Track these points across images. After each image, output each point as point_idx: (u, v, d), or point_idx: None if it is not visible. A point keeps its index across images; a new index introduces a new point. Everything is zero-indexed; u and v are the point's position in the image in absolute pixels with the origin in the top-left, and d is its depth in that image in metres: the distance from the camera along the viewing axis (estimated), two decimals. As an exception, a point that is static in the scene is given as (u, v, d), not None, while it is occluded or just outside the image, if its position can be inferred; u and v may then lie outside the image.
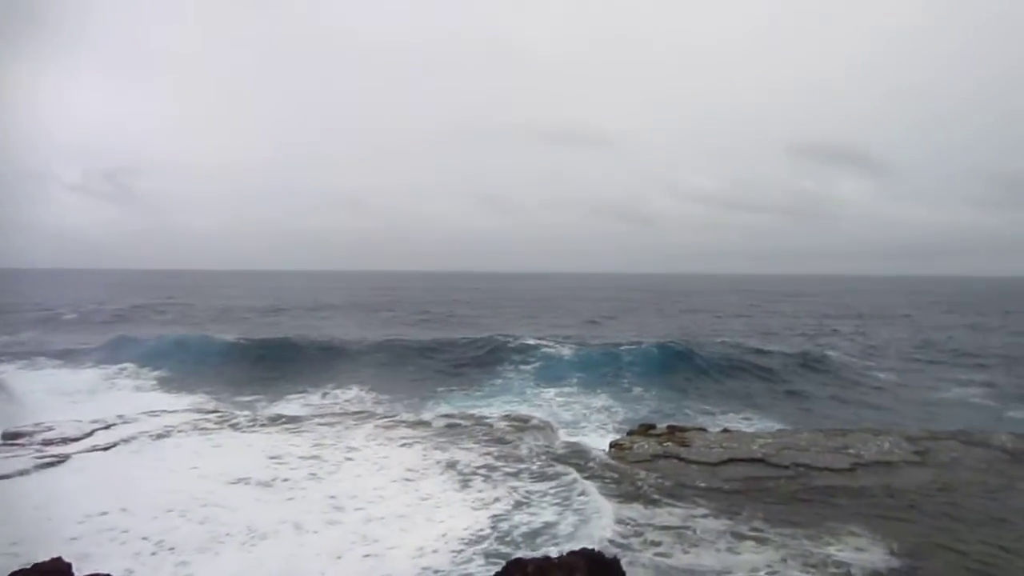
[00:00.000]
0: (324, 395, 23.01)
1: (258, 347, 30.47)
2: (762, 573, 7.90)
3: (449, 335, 36.15)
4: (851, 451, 13.19)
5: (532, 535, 9.26)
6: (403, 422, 16.45)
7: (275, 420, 16.73)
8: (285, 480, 11.63)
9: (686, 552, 8.54)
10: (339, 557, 8.55)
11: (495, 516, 9.99)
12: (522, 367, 26.36)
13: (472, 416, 17.26)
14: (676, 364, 26.48)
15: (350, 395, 23.01)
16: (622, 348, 28.48)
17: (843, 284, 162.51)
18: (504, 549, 8.66)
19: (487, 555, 8.54)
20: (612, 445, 14.33)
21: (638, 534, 9.15)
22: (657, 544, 8.78)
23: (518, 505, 10.46)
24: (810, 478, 11.66)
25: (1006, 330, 46.21)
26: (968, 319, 55.93)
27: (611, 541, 8.81)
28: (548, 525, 9.62)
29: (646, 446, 13.70)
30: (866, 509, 10.03)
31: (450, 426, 15.87)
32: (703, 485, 11.33)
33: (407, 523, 9.69)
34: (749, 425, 18.87)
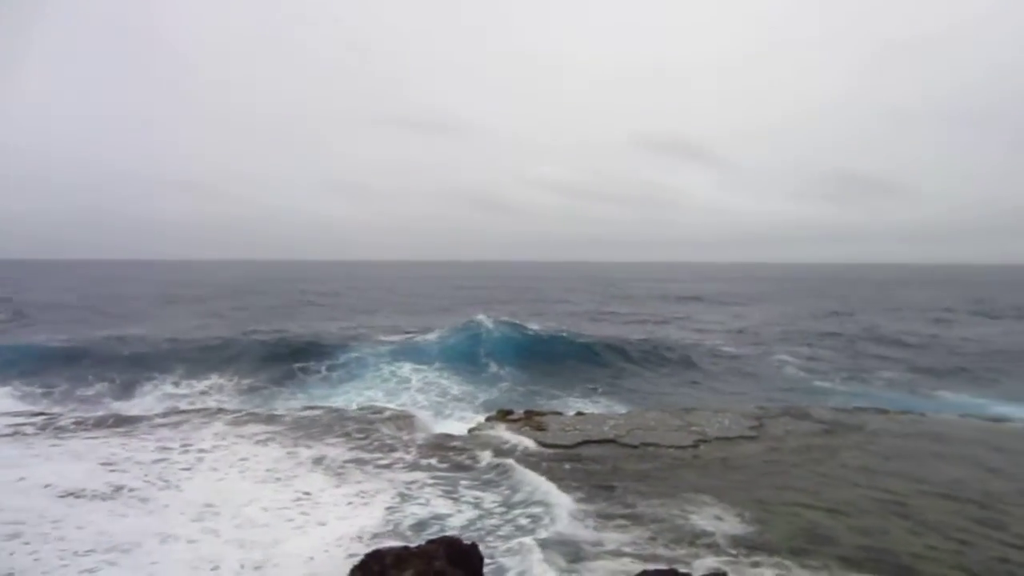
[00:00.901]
0: (162, 394, 21.19)
1: (83, 344, 27.59)
2: (631, 549, 8.12)
3: (298, 326, 34.82)
4: (695, 428, 13.99)
5: (421, 526, 8.99)
6: (254, 417, 15.56)
7: (105, 422, 15.08)
8: (133, 490, 10.35)
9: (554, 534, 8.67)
10: (216, 567, 7.80)
11: (385, 509, 9.63)
12: (375, 356, 25.66)
13: (327, 408, 16.68)
14: (534, 350, 26.97)
15: (191, 392, 21.39)
16: (480, 335, 28.61)
17: (687, 271, 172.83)
18: (400, 543, 8.33)
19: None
20: (470, 431, 14.38)
21: (509, 521, 9.21)
22: (526, 529, 8.83)
23: (403, 497, 10.11)
24: (659, 455, 12.23)
25: (826, 310, 51.02)
26: (795, 303, 61.14)
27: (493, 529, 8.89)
28: (439, 516, 9.38)
29: (500, 431, 13.88)
30: (715, 481, 10.64)
31: (306, 419, 15.18)
32: (568, 467, 11.57)
33: (288, 525, 9.10)
34: (601, 408, 19.53)
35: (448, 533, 8.51)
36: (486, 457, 12.11)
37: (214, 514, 9.40)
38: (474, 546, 6.79)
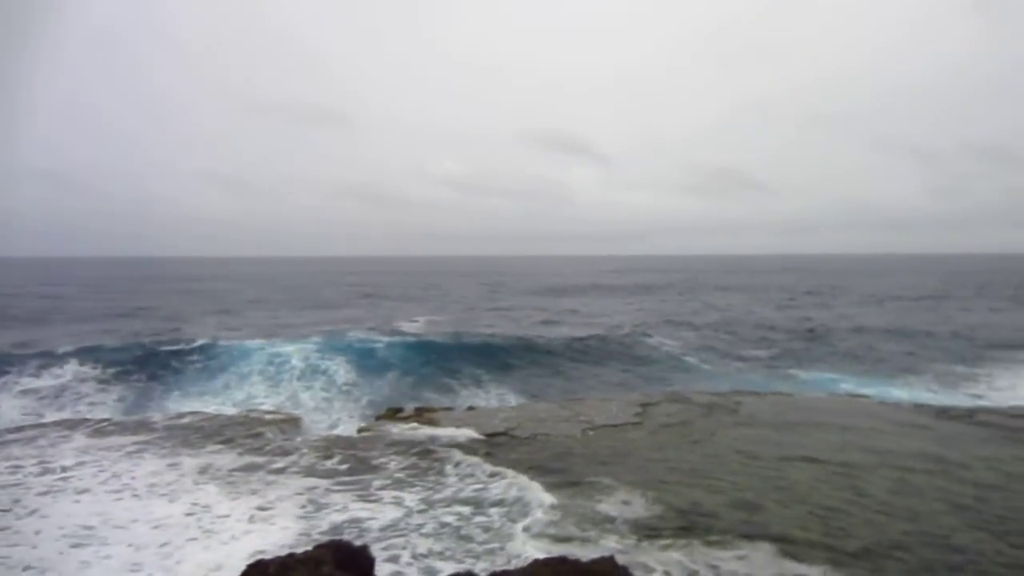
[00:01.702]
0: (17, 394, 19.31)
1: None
2: (553, 530, 8.37)
3: (166, 326, 33.03)
4: (583, 418, 14.31)
5: (341, 532, 8.58)
6: (120, 427, 14.43)
7: None
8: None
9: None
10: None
11: (298, 518, 9.14)
12: (252, 356, 24.24)
13: (204, 414, 15.82)
14: (425, 347, 26.67)
15: (40, 402, 19.28)
16: (371, 333, 28.15)
17: (577, 264, 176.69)
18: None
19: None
20: (360, 430, 14.13)
21: (435, 518, 9.11)
22: (452, 526, 8.84)
23: (314, 504, 9.66)
24: (551, 445, 12.41)
25: (704, 300, 53.58)
26: (679, 293, 63.86)
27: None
28: (357, 520, 9.05)
29: (395, 429, 13.69)
30: (606, 467, 10.88)
31: (181, 427, 14.27)
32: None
33: (191, 543, 8.38)
34: (493, 402, 19.67)
35: (371, 536, 8.34)
36: (390, 456, 11.85)
37: (98, 538, 8.56)
38: (365, 548, 6.65)
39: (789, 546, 7.77)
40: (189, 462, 11.75)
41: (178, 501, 9.84)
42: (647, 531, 8.33)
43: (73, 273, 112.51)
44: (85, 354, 22.83)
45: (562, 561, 6.32)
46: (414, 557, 7.86)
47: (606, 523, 8.63)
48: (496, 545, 8.14)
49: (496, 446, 12.40)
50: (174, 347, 24.85)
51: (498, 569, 6.59)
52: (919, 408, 15.85)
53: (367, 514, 9.26)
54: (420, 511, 9.30)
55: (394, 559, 7.80)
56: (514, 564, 7.20)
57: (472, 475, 10.74)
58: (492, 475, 10.65)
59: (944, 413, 14.95)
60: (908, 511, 8.78)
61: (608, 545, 7.88)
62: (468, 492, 10.00)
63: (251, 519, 9.14)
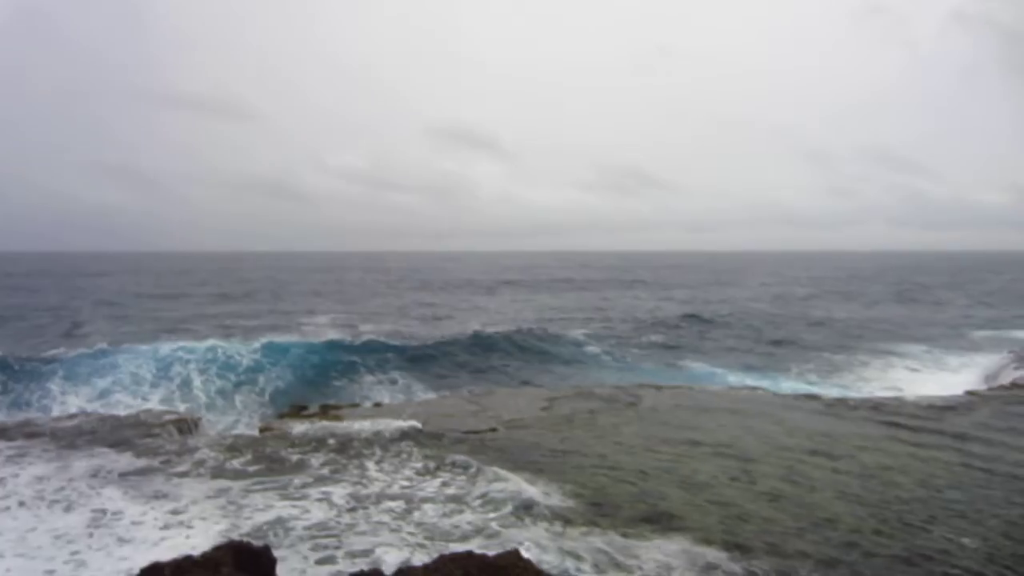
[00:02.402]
0: None
1: None
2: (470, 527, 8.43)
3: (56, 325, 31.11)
4: (491, 413, 14.40)
5: (262, 533, 8.15)
6: None
7: None
8: None
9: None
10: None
11: (221, 519, 8.66)
12: (139, 355, 22.83)
13: (91, 415, 14.76)
14: (325, 346, 26.00)
15: None
16: (273, 334, 27.38)
17: (483, 260, 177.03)
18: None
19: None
20: (263, 429, 13.70)
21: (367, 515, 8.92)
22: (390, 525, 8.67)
23: (235, 505, 9.17)
24: (464, 440, 12.39)
25: (614, 295, 54.96)
26: (588, 288, 65.13)
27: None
28: (283, 520, 8.63)
29: (299, 427, 13.33)
30: (517, 461, 11.00)
31: (67, 429, 13.20)
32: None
33: (100, 552, 7.74)
34: (401, 396, 19.54)
35: (298, 536, 8.11)
36: (306, 453, 11.49)
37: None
38: (266, 548, 6.49)
39: (696, 533, 8.05)
40: (80, 465, 10.93)
41: (77, 508, 9.13)
42: (564, 521, 8.47)
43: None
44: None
45: (468, 556, 6.37)
46: (349, 555, 7.61)
47: (525, 514, 8.72)
48: (427, 540, 8.05)
49: (412, 442, 12.23)
50: (55, 350, 23.27)
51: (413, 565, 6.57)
52: (808, 399, 16.77)
53: (294, 513, 8.91)
54: (350, 509, 9.05)
55: (329, 560, 7.55)
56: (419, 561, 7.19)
57: (397, 471, 10.61)
58: (419, 472, 10.57)
59: (835, 404, 15.84)
60: (799, 497, 9.24)
61: (530, 534, 8.02)
62: (396, 489, 9.85)
63: (166, 525, 8.57)
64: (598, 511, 8.82)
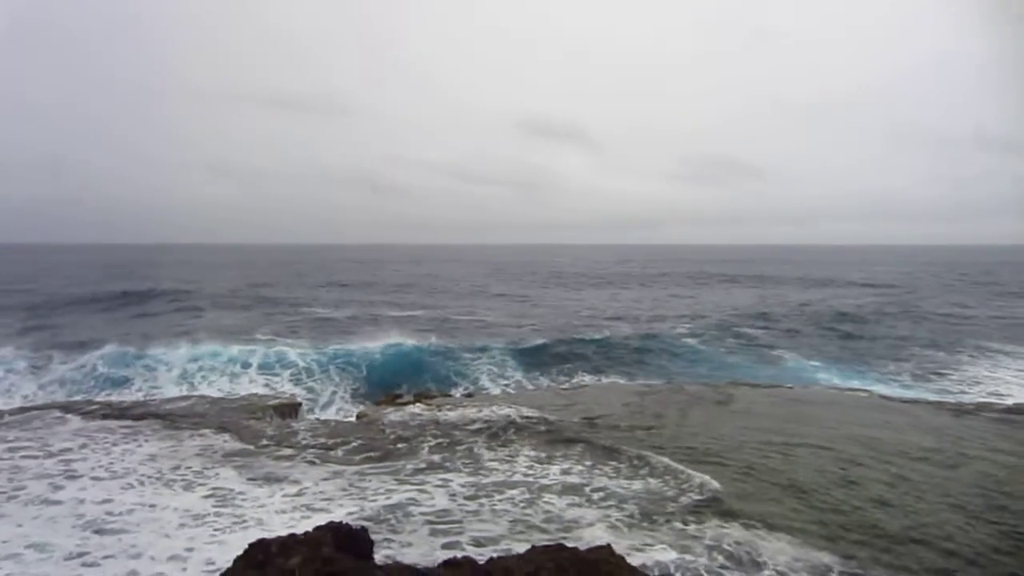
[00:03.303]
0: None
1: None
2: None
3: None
4: (580, 406, 14.36)
5: (389, 517, 8.32)
6: (114, 410, 14.03)
7: None
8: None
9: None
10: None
11: (346, 502, 8.91)
12: (253, 346, 24.05)
13: (201, 398, 15.73)
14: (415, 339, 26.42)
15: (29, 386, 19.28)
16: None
17: (571, 254, 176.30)
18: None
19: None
20: (360, 415, 14.14)
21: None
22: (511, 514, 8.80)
23: (356, 488, 9.46)
24: (563, 432, 12.37)
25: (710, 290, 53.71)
26: (675, 283, 63.94)
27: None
28: (402, 505, 8.79)
29: (395, 414, 13.69)
30: (617, 453, 10.97)
31: (179, 411, 14.05)
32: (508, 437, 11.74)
33: (243, 531, 8.04)
34: (493, 388, 19.71)
35: (431, 519, 8.25)
36: (415, 441, 11.70)
37: (124, 526, 8.18)
38: (363, 530, 6.70)
39: (803, 536, 7.79)
40: (190, 445, 11.55)
41: (196, 488, 9.54)
42: (685, 516, 8.35)
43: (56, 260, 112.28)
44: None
45: (560, 548, 6.37)
46: (475, 543, 7.64)
47: (646, 508, 8.64)
48: (553, 529, 8.04)
49: (517, 431, 12.30)
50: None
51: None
52: (912, 401, 15.91)
53: (415, 498, 9.02)
54: (470, 496, 9.10)
55: (454, 545, 7.58)
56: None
57: (513, 459, 10.69)
58: (537, 461, 10.60)
59: (942, 407, 15.00)
60: (907, 506, 8.77)
61: (651, 529, 7.96)
62: (516, 477, 9.88)
63: (294, 507, 8.84)
64: (717, 507, 8.63)
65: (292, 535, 6.26)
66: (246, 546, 6.02)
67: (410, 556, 6.94)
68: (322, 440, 11.80)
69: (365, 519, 8.15)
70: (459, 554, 7.22)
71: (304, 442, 11.75)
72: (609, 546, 6.58)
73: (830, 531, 7.98)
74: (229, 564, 5.82)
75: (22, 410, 14.27)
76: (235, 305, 40.35)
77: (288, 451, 11.30)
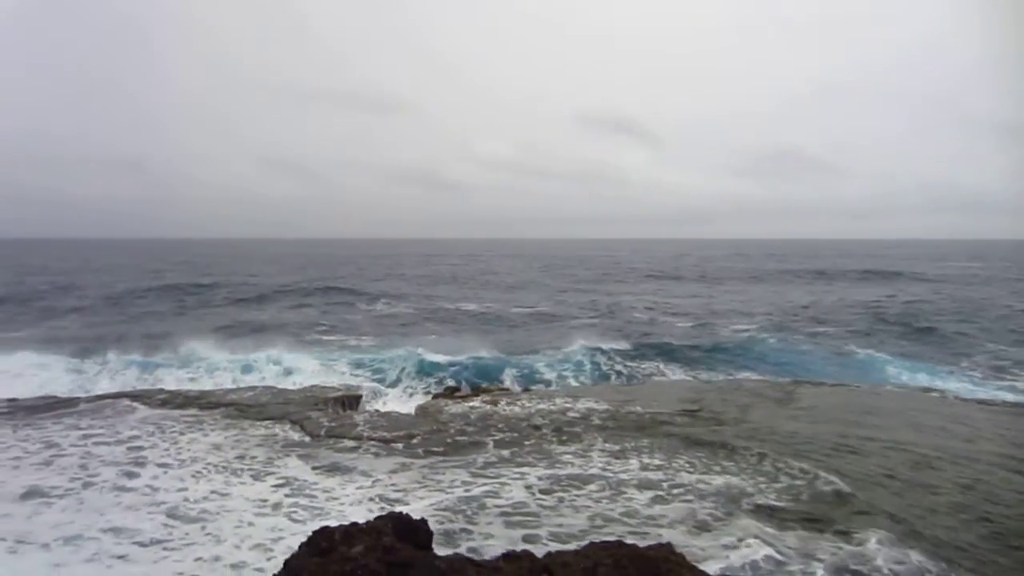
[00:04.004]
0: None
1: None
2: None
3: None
4: (641, 403, 14.17)
5: (467, 509, 8.37)
6: (181, 399, 14.54)
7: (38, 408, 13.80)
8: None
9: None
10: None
11: (424, 494, 8.94)
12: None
13: (266, 389, 16.09)
14: (487, 327, 26.71)
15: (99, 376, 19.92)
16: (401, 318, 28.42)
17: (635, 248, 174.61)
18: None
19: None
20: (420, 408, 14.29)
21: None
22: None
23: (431, 481, 9.50)
24: (630, 427, 12.34)
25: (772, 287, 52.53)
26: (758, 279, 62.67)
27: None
28: (477, 498, 8.80)
29: (455, 407, 13.80)
30: (681, 450, 10.84)
31: (244, 401, 14.44)
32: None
33: (325, 520, 8.03)
34: (551, 384, 19.66)
35: (508, 512, 8.29)
36: (483, 435, 11.75)
37: (187, 514, 8.39)
38: (423, 521, 6.78)
39: (884, 536, 7.54)
40: (254, 435, 11.82)
41: (265, 477, 9.69)
42: (767, 515, 8.19)
43: (152, 254, 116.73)
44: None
45: (619, 545, 6.31)
46: (555, 537, 7.60)
47: (730, 506, 8.50)
48: (637, 524, 8.02)
49: (585, 426, 12.25)
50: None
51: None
52: (989, 403, 15.22)
53: (490, 491, 9.03)
54: (546, 490, 9.07)
55: (533, 539, 7.56)
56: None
57: (586, 454, 10.63)
58: (613, 455, 10.52)
59: (1019, 408, 14.33)
60: (989, 515, 8.34)
61: (737, 527, 7.81)
62: (593, 471, 9.82)
63: (369, 498, 8.90)
64: (800, 505, 8.46)
65: (354, 524, 6.37)
66: (311, 533, 6.17)
67: (492, 550, 6.97)
68: (383, 433, 11.91)
69: (442, 511, 8.23)
70: (539, 548, 7.25)
71: (366, 434, 11.87)
72: (669, 544, 6.49)
73: (911, 533, 7.70)
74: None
75: (98, 398, 14.83)
76: (297, 299, 41.41)
77: (351, 442, 11.44)
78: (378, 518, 6.58)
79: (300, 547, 6.04)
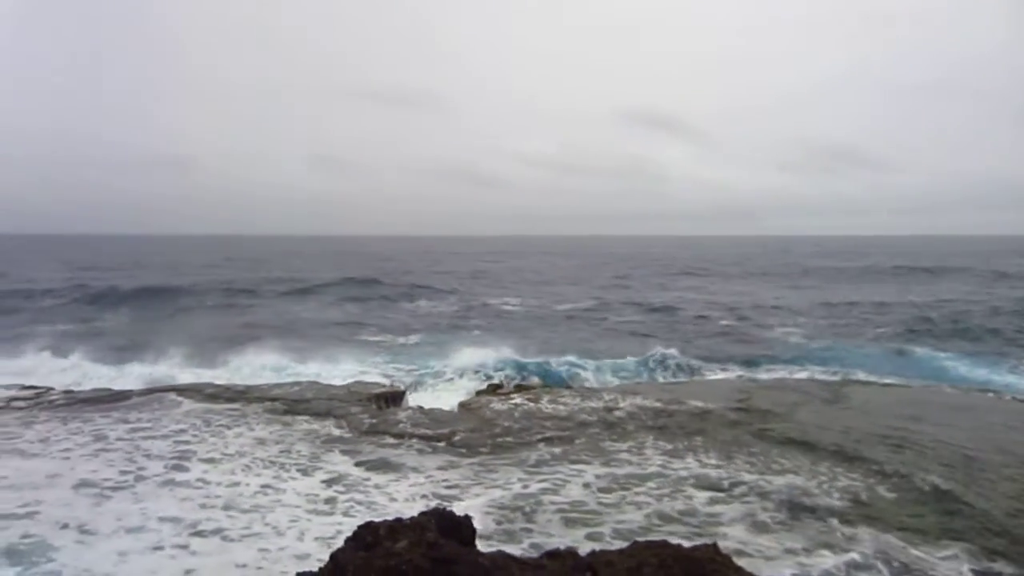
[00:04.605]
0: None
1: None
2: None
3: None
4: (686, 401, 13.98)
5: (526, 506, 8.40)
6: (227, 392, 14.68)
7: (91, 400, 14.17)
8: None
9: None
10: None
11: (481, 490, 9.00)
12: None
13: (311, 384, 16.17)
14: (528, 325, 26.68)
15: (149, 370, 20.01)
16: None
17: (679, 244, 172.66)
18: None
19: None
20: (463, 405, 14.30)
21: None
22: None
23: (484, 477, 9.54)
24: (675, 419, 12.42)
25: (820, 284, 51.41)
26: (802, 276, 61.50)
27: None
28: (534, 495, 8.82)
29: (499, 404, 13.76)
30: (731, 450, 10.70)
31: (290, 396, 14.56)
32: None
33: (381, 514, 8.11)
34: (592, 382, 19.54)
35: (566, 509, 8.32)
36: (529, 433, 11.72)
37: (242, 506, 8.52)
38: (466, 517, 6.79)
39: (950, 543, 7.37)
40: (297, 430, 11.95)
41: (314, 472, 9.79)
42: (839, 519, 8.03)
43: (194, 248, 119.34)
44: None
45: (663, 545, 6.23)
46: (618, 535, 7.60)
47: (793, 508, 8.39)
48: (697, 523, 7.99)
49: (635, 424, 12.20)
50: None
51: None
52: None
53: (547, 488, 9.04)
54: (604, 488, 9.06)
55: (596, 537, 7.56)
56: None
57: (640, 451, 10.59)
58: (668, 454, 10.48)
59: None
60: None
61: (800, 533, 7.70)
62: (650, 469, 9.78)
63: (421, 494, 8.96)
64: (861, 510, 8.30)
65: (399, 519, 6.41)
66: (356, 528, 6.23)
67: (554, 546, 6.99)
68: (426, 430, 11.95)
69: (499, 508, 8.27)
70: (600, 546, 7.32)
71: (409, 430, 11.94)
72: (715, 544, 6.38)
73: (1000, 533, 7.47)
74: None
75: (147, 391, 15.11)
76: (340, 295, 41.96)
77: (395, 439, 11.48)
78: (422, 514, 6.60)
79: (346, 541, 6.09)
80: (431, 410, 13.93)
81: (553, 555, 6.27)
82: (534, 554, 6.12)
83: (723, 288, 49.42)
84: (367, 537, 6.08)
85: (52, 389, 15.36)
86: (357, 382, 16.97)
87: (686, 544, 6.31)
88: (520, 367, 20.14)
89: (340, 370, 20.45)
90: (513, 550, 6.39)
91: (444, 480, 9.49)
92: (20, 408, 13.54)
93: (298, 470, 9.97)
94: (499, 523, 7.87)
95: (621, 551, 6.30)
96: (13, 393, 14.68)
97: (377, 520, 6.46)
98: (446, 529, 6.42)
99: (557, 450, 10.70)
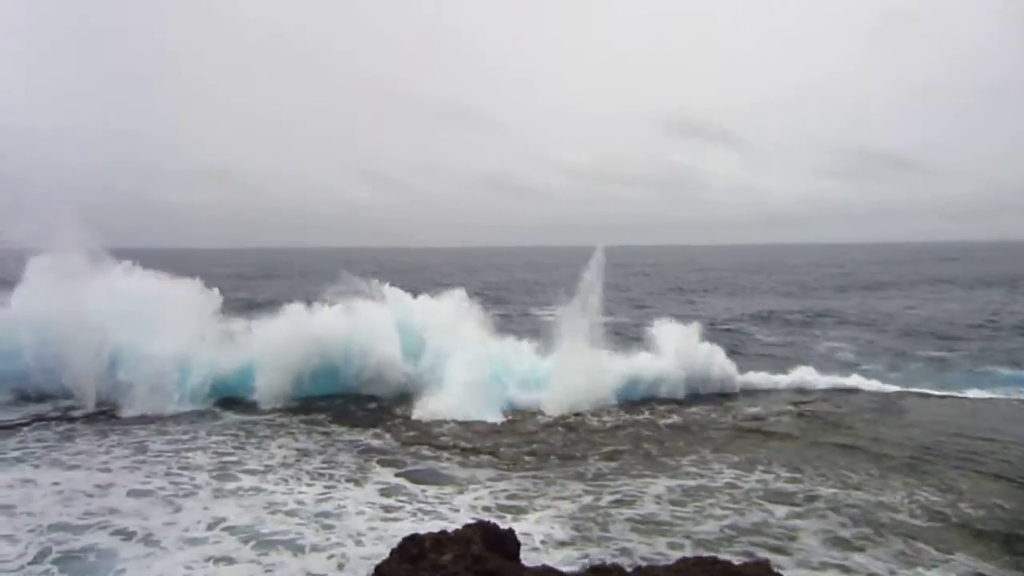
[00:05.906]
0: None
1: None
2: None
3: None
4: (735, 413, 13.80)
5: (586, 517, 8.44)
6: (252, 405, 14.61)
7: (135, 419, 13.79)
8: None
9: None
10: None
11: (549, 503, 8.94)
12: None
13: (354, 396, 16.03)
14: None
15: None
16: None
17: (717, 255, 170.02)
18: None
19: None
20: (503, 418, 14.23)
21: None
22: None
23: (551, 491, 9.47)
24: (726, 432, 12.37)
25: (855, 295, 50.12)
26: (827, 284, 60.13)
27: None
28: (602, 507, 8.78)
29: (539, 417, 13.75)
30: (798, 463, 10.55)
31: (320, 407, 14.53)
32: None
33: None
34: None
35: (638, 523, 8.33)
36: (576, 443, 11.78)
37: (306, 515, 8.57)
38: (510, 531, 6.75)
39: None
40: (339, 441, 11.95)
41: (366, 484, 9.72)
42: (923, 540, 7.82)
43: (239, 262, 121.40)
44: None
45: (713, 561, 6.11)
46: (695, 544, 7.60)
47: (875, 527, 8.19)
48: (771, 535, 7.93)
49: (684, 436, 12.21)
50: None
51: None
52: None
53: (618, 500, 9.03)
54: (675, 500, 9.04)
55: (677, 547, 7.57)
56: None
57: (705, 464, 10.51)
58: (736, 467, 10.40)
59: None
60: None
61: (877, 552, 7.52)
62: (719, 483, 9.72)
63: (484, 506, 8.88)
64: (940, 526, 8.14)
65: (443, 532, 6.40)
66: (401, 540, 6.23)
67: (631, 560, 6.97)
68: (464, 443, 11.91)
69: (565, 519, 8.29)
70: (680, 555, 7.24)
71: (451, 442, 11.92)
72: (767, 561, 6.24)
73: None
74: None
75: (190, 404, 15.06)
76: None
77: (437, 451, 11.45)
78: (466, 527, 6.59)
79: (391, 553, 6.10)
80: (472, 423, 13.89)
81: (598, 570, 6.19)
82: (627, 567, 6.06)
83: (767, 300, 48.48)
84: (412, 550, 6.09)
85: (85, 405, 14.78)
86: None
87: (735, 561, 6.18)
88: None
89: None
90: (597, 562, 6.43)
91: (504, 490, 9.44)
92: (57, 420, 13.43)
93: (351, 482, 9.87)
94: (578, 530, 7.95)
95: (668, 567, 6.19)
96: (49, 407, 14.46)
97: (422, 533, 6.48)
98: (491, 542, 6.40)
99: (614, 464, 10.62)
